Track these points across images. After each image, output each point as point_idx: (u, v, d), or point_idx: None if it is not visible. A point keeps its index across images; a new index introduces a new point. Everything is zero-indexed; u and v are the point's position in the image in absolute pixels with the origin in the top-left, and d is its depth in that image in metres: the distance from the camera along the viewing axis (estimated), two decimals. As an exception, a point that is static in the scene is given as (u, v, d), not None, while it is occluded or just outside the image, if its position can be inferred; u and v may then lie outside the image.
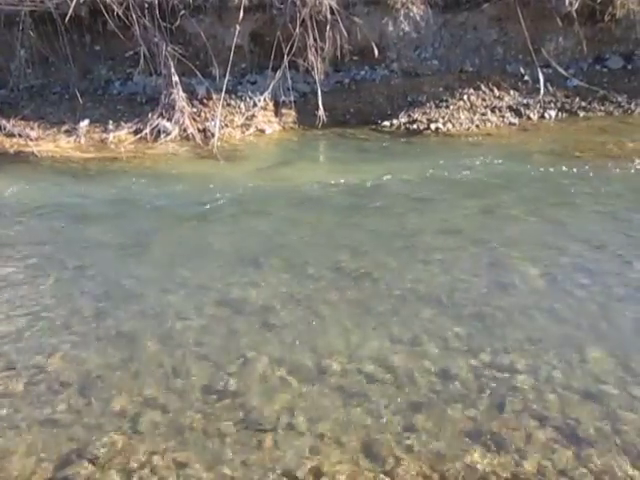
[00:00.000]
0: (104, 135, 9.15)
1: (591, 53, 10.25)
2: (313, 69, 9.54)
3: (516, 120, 9.46)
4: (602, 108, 9.59)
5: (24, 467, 3.11)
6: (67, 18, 9.23)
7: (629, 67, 10.24)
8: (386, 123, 9.52)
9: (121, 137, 9.12)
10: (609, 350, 3.85)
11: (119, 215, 6.48)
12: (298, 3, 9.28)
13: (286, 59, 9.43)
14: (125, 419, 3.42)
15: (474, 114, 9.53)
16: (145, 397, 3.59)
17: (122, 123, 9.33)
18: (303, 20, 9.30)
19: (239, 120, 9.49)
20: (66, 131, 9.17)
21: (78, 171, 8.09)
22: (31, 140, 8.89)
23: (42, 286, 4.96)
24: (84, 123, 9.25)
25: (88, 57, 10.31)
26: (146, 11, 9.24)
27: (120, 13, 9.07)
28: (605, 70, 10.23)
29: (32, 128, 9.16)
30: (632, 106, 9.54)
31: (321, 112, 9.36)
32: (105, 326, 4.34)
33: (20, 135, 8.97)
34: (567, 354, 3.83)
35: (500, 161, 7.77)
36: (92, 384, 3.72)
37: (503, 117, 9.51)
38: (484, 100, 9.78)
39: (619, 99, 9.66)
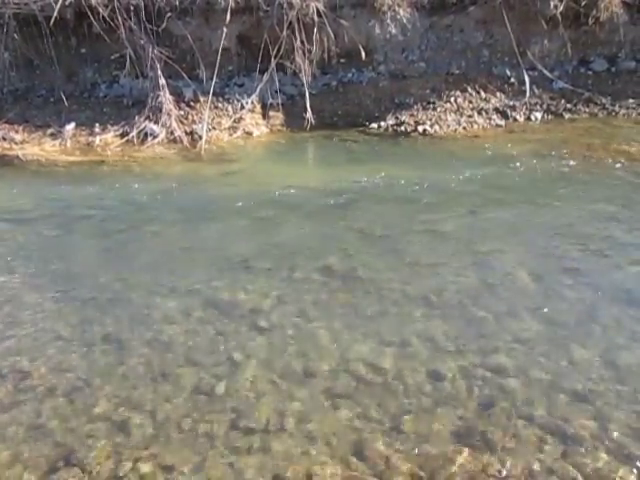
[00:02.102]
0: (90, 138, 9.08)
1: (576, 56, 10.37)
2: (301, 71, 9.54)
3: (502, 122, 9.53)
4: (587, 110, 9.70)
5: (10, 475, 3.07)
6: (52, 21, 9.16)
7: (613, 70, 10.36)
8: (374, 125, 9.55)
9: (108, 140, 9.06)
10: (596, 349, 3.88)
11: (106, 219, 6.43)
12: (285, 5, 9.29)
13: (273, 61, 9.44)
14: (113, 424, 3.39)
15: (461, 116, 9.59)
16: (133, 401, 3.56)
17: (108, 126, 9.27)
18: (290, 22, 9.30)
19: (226, 123, 9.47)
20: (51, 134, 9.09)
21: (64, 175, 8.03)
22: (16, 144, 8.80)
23: (28, 290, 4.90)
24: (70, 126, 9.17)
25: (73, 60, 10.23)
26: (132, 13, 9.20)
27: (106, 15, 9.02)
28: (590, 72, 10.34)
29: (17, 131, 9.07)
30: (616, 108, 9.66)
31: (309, 114, 9.37)
32: (92, 330, 4.30)
33: (4, 138, 8.87)
34: (555, 354, 3.85)
35: (487, 163, 7.82)
36: (79, 389, 3.68)
37: (490, 119, 9.58)
38: (471, 102, 9.84)
39: (603, 101, 9.77)
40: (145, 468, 3.08)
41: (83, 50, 10.22)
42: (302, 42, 9.42)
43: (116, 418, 3.43)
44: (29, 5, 9.30)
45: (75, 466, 3.11)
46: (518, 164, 7.69)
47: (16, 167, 8.28)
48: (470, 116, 9.60)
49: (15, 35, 9.56)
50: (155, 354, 4.01)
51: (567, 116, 9.61)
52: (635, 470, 2.96)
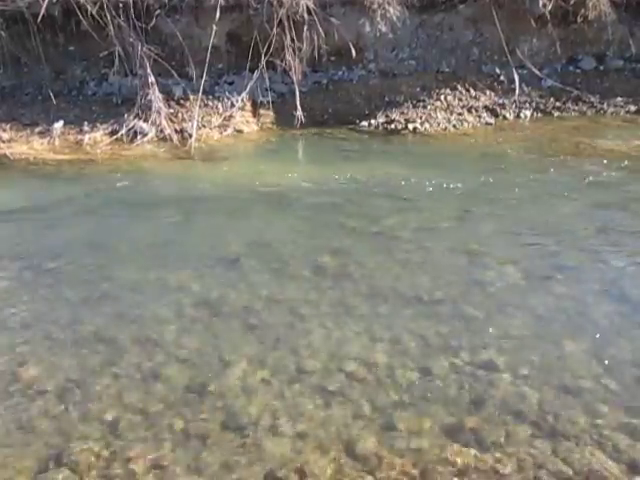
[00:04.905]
0: (79, 136, 9.01)
1: (564, 54, 10.44)
2: (291, 69, 9.53)
3: (492, 120, 9.58)
4: (576, 108, 9.77)
5: (0, 476, 3.05)
6: (39, 18, 9.07)
7: (601, 68, 10.45)
8: (364, 123, 9.55)
9: (97, 138, 9.00)
10: (586, 346, 3.91)
11: (95, 217, 6.39)
12: (275, 3, 9.26)
13: (264, 59, 9.41)
14: (104, 424, 3.37)
15: (451, 114, 9.62)
16: (124, 401, 3.54)
17: (98, 124, 9.20)
18: (280, 20, 9.28)
19: (217, 121, 9.44)
20: (40, 132, 9.01)
21: (53, 173, 7.96)
22: (3, 142, 8.71)
23: (17, 290, 4.86)
24: (58, 124, 9.10)
25: (62, 57, 10.15)
26: (120, 11, 9.13)
27: (94, 13, 8.95)
28: (578, 71, 10.43)
29: (4, 130, 8.98)
30: (604, 106, 9.74)
31: (299, 112, 9.35)
32: (82, 330, 4.27)
33: (-8, 137, 8.80)
34: (545, 350, 3.88)
35: (477, 161, 7.86)
36: (69, 389, 3.66)
37: (479, 117, 9.62)
38: (461, 100, 9.88)
39: (592, 99, 9.85)
40: (136, 468, 3.06)
41: (71, 48, 10.14)
42: (292, 40, 9.40)
43: (107, 418, 3.41)
44: (16, 2, 9.20)
45: (66, 467, 3.09)
46: (508, 162, 7.72)
47: (4, 166, 8.20)
48: (460, 114, 9.63)
49: (2, 32, 9.47)
50: (146, 353, 3.99)
51: (556, 114, 9.67)
52: (624, 464, 2.99)
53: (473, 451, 3.09)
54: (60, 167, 8.17)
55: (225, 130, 9.40)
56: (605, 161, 7.54)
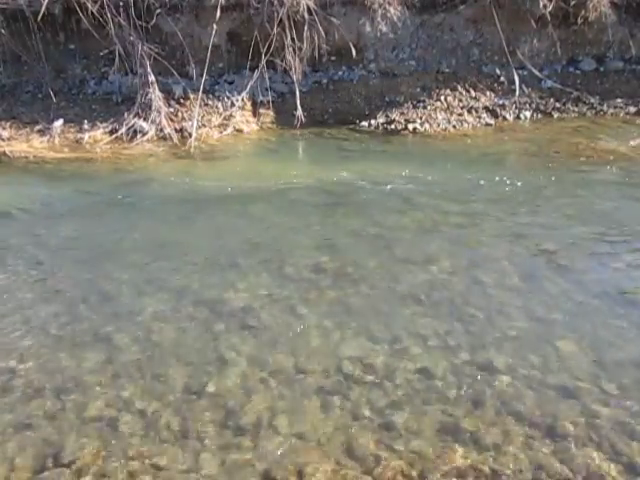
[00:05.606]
0: (79, 135, 9.01)
1: (565, 55, 10.45)
2: (291, 69, 9.53)
3: (492, 121, 9.58)
4: (575, 109, 9.78)
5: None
6: (40, 16, 9.06)
7: (601, 69, 10.45)
8: (364, 123, 9.55)
9: (96, 137, 8.99)
10: (584, 347, 3.91)
11: (95, 216, 6.39)
12: (275, 3, 9.25)
13: (264, 59, 9.41)
14: (102, 423, 3.37)
15: (451, 115, 9.62)
16: (122, 400, 3.54)
17: (97, 123, 9.20)
18: (281, 20, 9.28)
19: (217, 120, 9.44)
20: (39, 131, 9.01)
21: (52, 171, 7.96)
22: (3, 140, 8.71)
23: (16, 289, 4.86)
24: (58, 123, 9.09)
25: (62, 56, 10.14)
26: (121, 9, 9.12)
27: (94, 11, 8.94)
28: (578, 72, 10.43)
29: (4, 128, 8.97)
30: (604, 107, 9.74)
31: (299, 112, 9.35)
32: (81, 329, 4.27)
33: (-9, 135, 8.80)
34: (543, 351, 3.88)
35: (477, 162, 7.85)
36: (68, 388, 3.66)
37: (479, 118, 9.61)
38: (461, 101, 9.87)
39: (592, 100, 9.86)
40: (135, 467, 3.06)
41: (72, 46, 10.14)
42: (292, 39, 9.40)
43: (106, 417, 3.41)
44: (16, 0, 9.19)
45: (64, 465, 3.09)
46: (508, 163, 7.72)
47: (4, 164, 8.20)
48: (460, 115, 9.63)
49: (2, 30, 9.46)
50: (145, 353, 3.98)
51: (556, 115, 9.68)
52: (622, 465, 3.00)
53: (472, 452, 3.09)
54: (60, 166, 8.17)
55: (225, 129, 9.39)
56: (604, 162, 7.54)
